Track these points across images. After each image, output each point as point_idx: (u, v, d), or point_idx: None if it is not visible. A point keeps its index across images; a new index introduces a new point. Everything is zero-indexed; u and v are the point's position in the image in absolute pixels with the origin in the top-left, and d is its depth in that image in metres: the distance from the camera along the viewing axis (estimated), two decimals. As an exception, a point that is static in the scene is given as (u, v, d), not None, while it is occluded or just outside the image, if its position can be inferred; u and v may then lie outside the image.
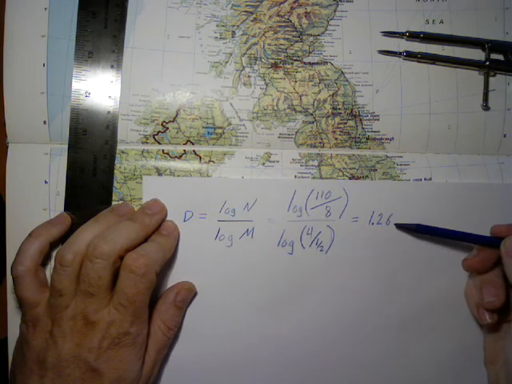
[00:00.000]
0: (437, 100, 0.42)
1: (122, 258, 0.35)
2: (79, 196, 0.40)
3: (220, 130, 0.41)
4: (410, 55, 0.41)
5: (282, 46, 0.42)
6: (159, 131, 0.41)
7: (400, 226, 0.40)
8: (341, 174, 0.41)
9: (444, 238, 0.40)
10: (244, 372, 0.41)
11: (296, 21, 0.42)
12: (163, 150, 0.41)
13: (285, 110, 0.41)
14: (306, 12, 0.42)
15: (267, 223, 0.40)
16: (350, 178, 0.41)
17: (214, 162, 0.41)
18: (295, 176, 0.41)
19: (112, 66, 0.41)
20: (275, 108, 0.41)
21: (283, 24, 0.42)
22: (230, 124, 0.41)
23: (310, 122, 0.41)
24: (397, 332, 0.41)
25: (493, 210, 0.40)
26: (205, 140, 0.41)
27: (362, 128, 0.41)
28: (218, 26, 0.42)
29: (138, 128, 0.41)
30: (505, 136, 0.42)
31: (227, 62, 0.41)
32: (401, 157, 0.41)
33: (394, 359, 0.41)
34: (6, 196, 0.40)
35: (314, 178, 0.41)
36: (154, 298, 0.38)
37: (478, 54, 0.42)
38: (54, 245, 0.39)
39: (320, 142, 0.41)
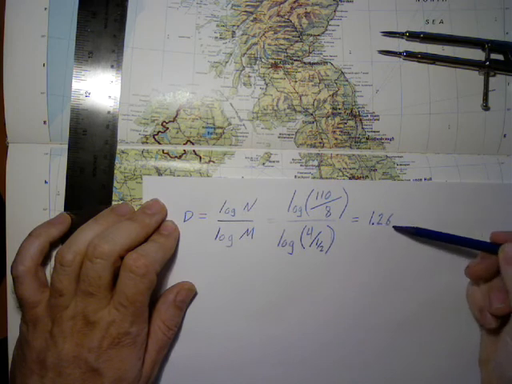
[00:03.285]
0: (437, 100, 0.42)
1: (122, 257, 0.35)
2: (79, 196, 0.40)
3: (220, 130, 0.41)
4: (410, 55, 0.41)
5: (282, 46, 0.42)
6: (159, 131, 0.41)
7: (399, 229, 0.40)
8: (341, 173, 0.41)
9: (442, 241, 0.40)
10: (244, 372, 0.41)
11: (296, 21, 0.42)
12: (163, 150, 0.41)
13: (285, 109, 0.41)
14: (305, 12, 0.42)
15: (267, 223, 0.40)
16: (350, 178, 0.41)
17: (214, 162, 0.41)
18: (295, 176, 0.41)
19: (112, 66, 0.41)
20: (275, 108, 0.41)
21: (283, 24, 0.42)
22: (230, 124, 0.41)
23: (309, 122, 0.41)
24: (397, 332, 0.41)
25: (493, 210, 0.40)
26: (205, 140, 0.41)
27: (362, 128, 0.41)
28: (218, 25, 0.42)
29: (138, 128, 0.41)
30: (505, 136, 0.42)
31: (227, 62, 0.41)
32: (401, 157, 0.41)
33: (393, 359, 0.41)
34: (6, 196, 0.40)
35: (314, 177, 0.41)
36: (154, 298, 0.38)
37: (478, 54, 0.42)
38: (53, 245, 0.39)
39: (320, 142, 0.41)
